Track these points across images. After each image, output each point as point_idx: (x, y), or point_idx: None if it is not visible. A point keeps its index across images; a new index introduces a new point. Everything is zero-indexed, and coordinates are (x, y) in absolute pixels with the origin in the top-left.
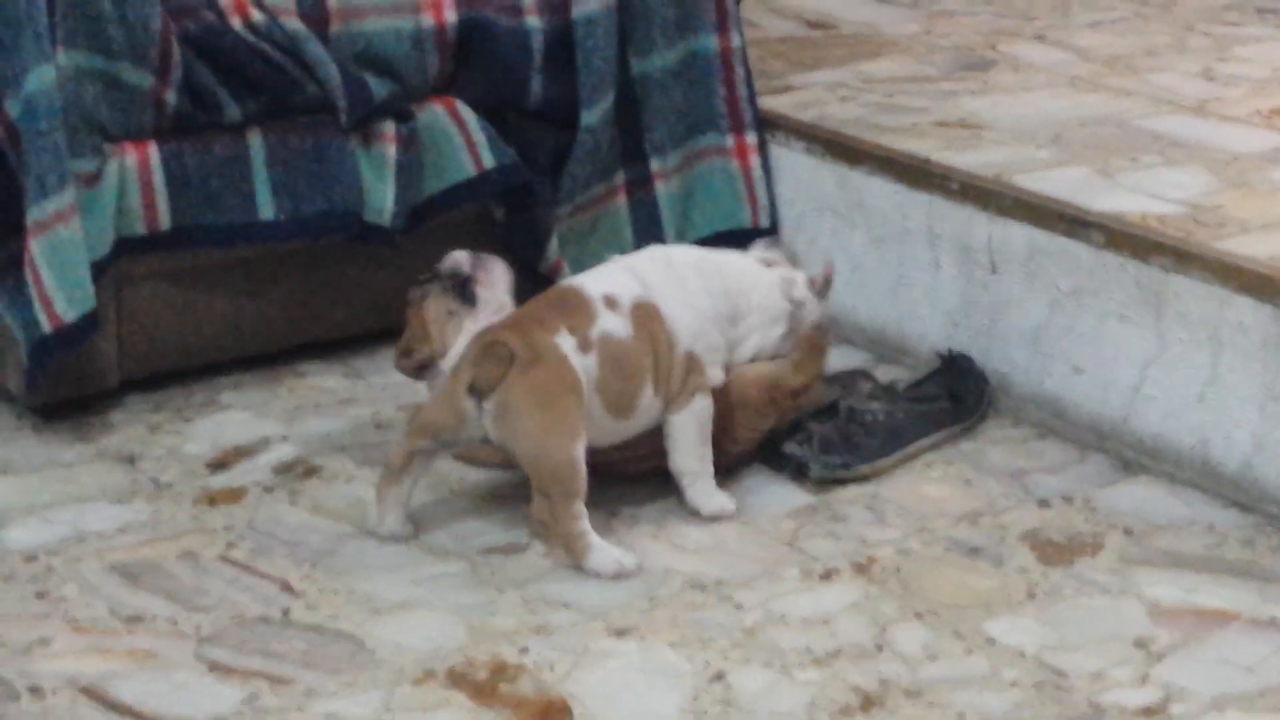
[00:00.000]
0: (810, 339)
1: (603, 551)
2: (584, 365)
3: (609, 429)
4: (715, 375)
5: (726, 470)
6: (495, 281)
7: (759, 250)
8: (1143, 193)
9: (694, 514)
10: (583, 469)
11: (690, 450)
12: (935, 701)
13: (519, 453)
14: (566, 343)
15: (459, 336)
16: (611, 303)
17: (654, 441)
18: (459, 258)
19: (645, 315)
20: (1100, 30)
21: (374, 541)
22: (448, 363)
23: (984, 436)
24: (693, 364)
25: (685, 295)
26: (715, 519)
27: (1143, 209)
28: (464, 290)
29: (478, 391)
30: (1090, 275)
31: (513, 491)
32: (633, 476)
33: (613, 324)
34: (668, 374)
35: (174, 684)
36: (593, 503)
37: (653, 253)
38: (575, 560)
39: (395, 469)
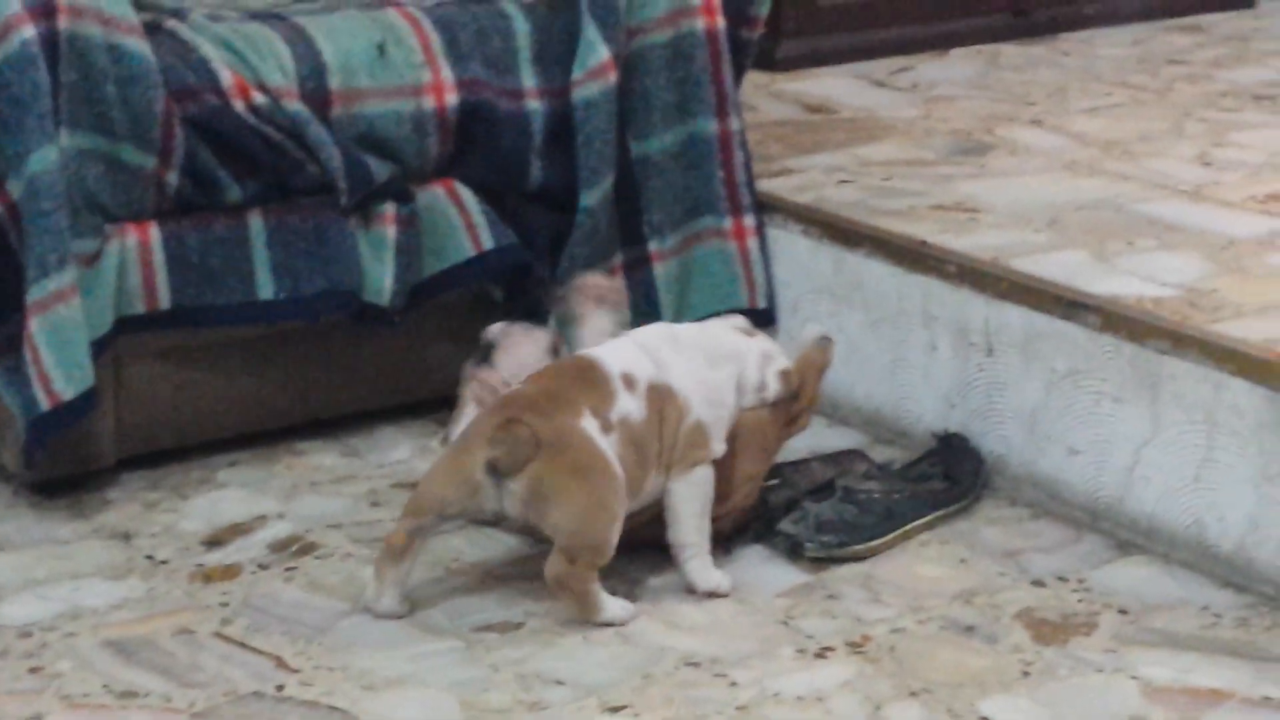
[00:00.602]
0: (810, 358)
1: (612, 603)
2: (607, 446)
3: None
4: (718, 448)
5: (725, 539)
6: (515, 345)
7: (738, 321)
8: (1139, 276)
9: (689, 590)
10: (614, 546)
11: (690, 523)
12: None
13: (558, 526)
14: (591, 425)
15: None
16: (630, 382)
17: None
18: (493, 329)
19: (658, 396)
20: (1097, 115)
21: (369, 618)
22: (452, 430)
23: (979, 516)
24: (698, 434)
25: (694, 370)
26: (710, 596)
27: (1139, 292)
28: (486, 357)
29: (499, 472)
30: (1086, 357)
31: (508, 570)
32: (632, 545)
33: (630, 406)
34: (671, 448)
35: None
36: None
37: (659, 329)
38: (587, 617)
39: (396, 550)
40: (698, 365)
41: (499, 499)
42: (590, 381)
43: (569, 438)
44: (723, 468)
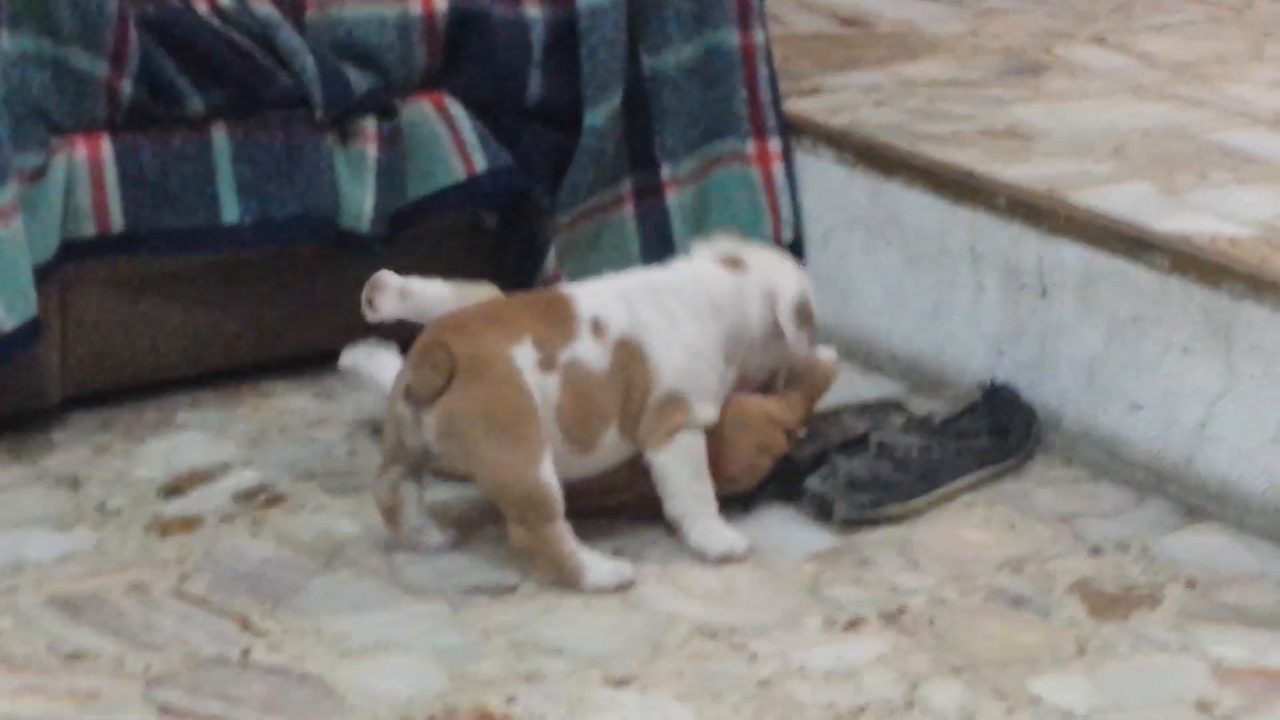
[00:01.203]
0: (813, 367)
1: (598, 567)
2: (541, 385)
3: (566, 462)
4: (705, 413)
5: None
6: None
7: (727, 247)
8: (1212, 212)
9: (701, 557)
10: (555, 489)
11: (684, 492)
12: None
13: (477, 481)
14: (525, 356)
15: None
16: (599, 329)
17: (631, 473)
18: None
19: (627, 354)
20: (1167, 34)
21: (345, 577)
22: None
23: (1031, 476)
24: (671, 404)
25: (675, 333)
26: (725, 561)
27: (1212, 230)
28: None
29: (414, 399)
30: (1152, 302)
31: (500, 525)
32: (610, 511)
33: (589, 352)
34: (636, 417)
35: None
36: (591, 540)
37: (643, 279)
38: (571, 583)
39: (390, 511)
40: (681, 326)
41: (419, 434)
42: (550, 315)
43: (488, 366)
44: (718, 460)
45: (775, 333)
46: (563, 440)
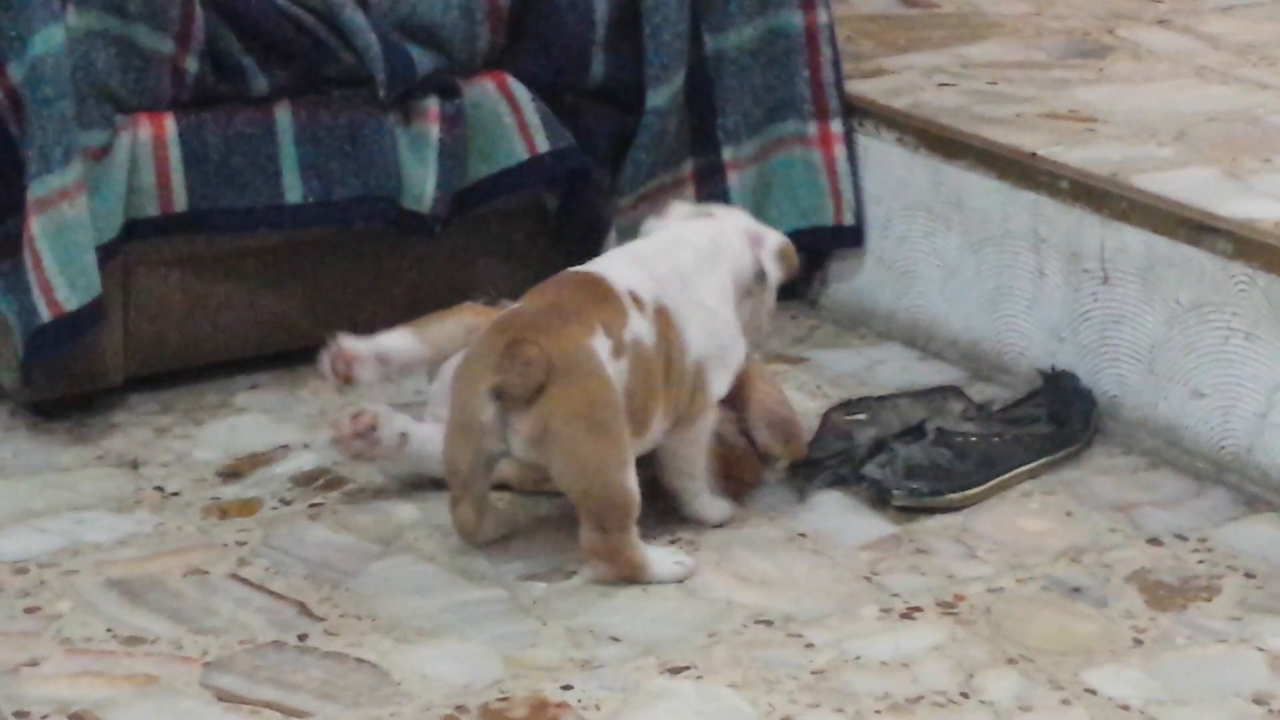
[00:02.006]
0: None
1: (662, 562)
2: (618, 373)
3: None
4: (721, 386)
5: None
6: None
7: (688, 209)
8: (1277, 198)
9: (700, 524)
10: (638, 494)
11: (691, 470)
12: None
13: (565, 481)
14: (602, 346)
15: None
16: (638, 301)
17: None
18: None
19: (664, 321)
20: (1232, 15)
21: (403, 561)
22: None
23: (1089, 465)
24: (699, 376)
25: (689, 293)
26: (722, 525)
27: (1276, 216)
28: None
29: (508, 401)
30: (1215, 288)
31: (557, 513)
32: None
33: (642, 326)
34: (678, 389)
35: (177, 713)
36: (646, 529)
37: (643, 244)
38: (636, 581)
39: (472, 531)
40: (696, 283)
41: (504, 438)
42: (599, 297)
43: (579, 362)
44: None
45: (756, 283)
46: (629, 425)
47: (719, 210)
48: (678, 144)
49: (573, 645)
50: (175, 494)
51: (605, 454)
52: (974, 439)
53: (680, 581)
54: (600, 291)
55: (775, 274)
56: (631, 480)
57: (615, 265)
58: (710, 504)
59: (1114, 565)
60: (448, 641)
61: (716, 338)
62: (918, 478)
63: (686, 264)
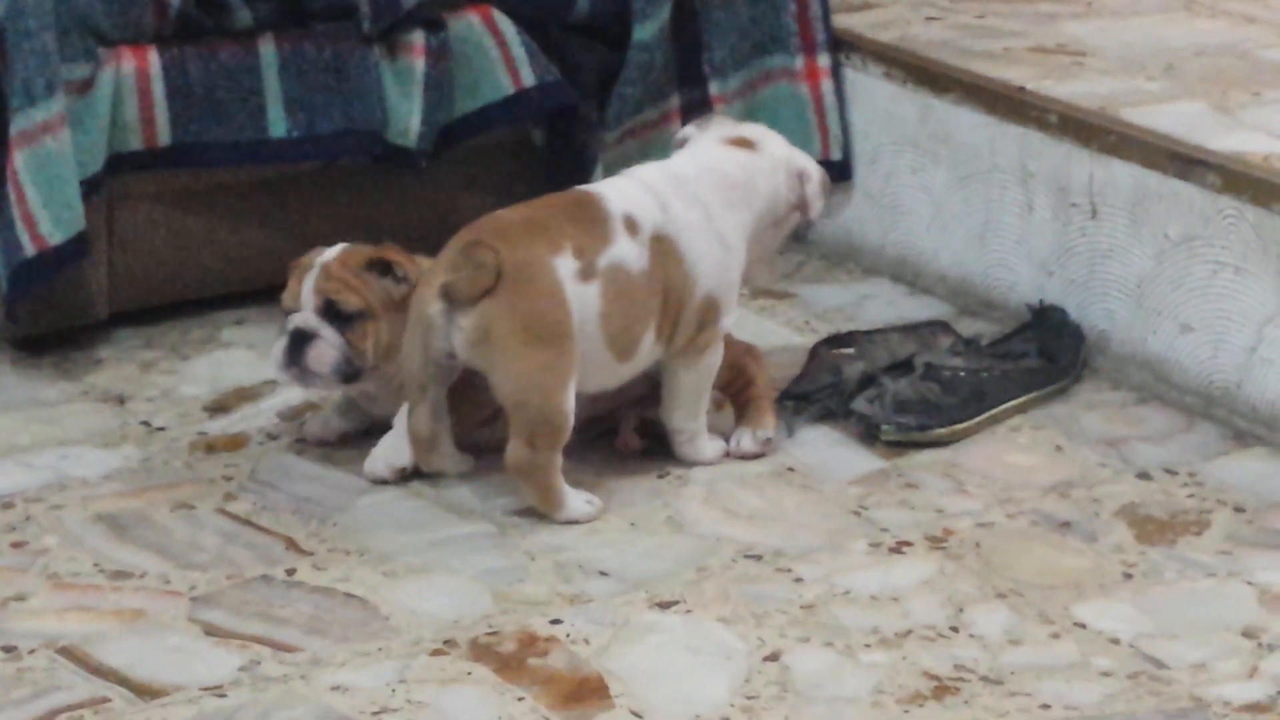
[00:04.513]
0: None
1: (575, 498)
2: (582, 296)
3: (607, 370)
4: (730, 320)
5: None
6: None
7: (728, 129)
8: (1266, 131)
9: (693, 464)
10: (571, 417)
11: (691, 408)
12: (1017, 690)
13: (501, 390)
14: (566, 266)
15: None
16: (632, 226)
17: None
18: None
19: (663, 250)
20: None
21: (391, 497)
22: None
23: (1078, 400)
24: (710, 310)
25: (708, 224)
26: (709, 464)
27: (1265, 149)
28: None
29: (451, 299)
30: (1204, 222)
31: None
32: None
33: (628, 252)
34: (675, 319)
35: (165, 647)
36: (634, 463)
37: (660, 168)
38: (550, 511)
39: (424, 441)
40: (714, 217)
41: (449, 336)
42: (584, 218)
43: (533, 275)
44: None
45: (787, 215)
46: (606, 348)
47: (760, 136)
48: (664, 78)
49: (561, 580)
50: (161, 429)
51: (544, 368)
52: (962, 374)
53: (589, 521)
54: (587, 212)
55: (819, 208)
56: (568, 401)
57: (621, 188)
58: (706, 445)
59: (1103, 500)
60: (436, 576)
61: (730, 273)
62: (906, 412)
63: (712, 195)
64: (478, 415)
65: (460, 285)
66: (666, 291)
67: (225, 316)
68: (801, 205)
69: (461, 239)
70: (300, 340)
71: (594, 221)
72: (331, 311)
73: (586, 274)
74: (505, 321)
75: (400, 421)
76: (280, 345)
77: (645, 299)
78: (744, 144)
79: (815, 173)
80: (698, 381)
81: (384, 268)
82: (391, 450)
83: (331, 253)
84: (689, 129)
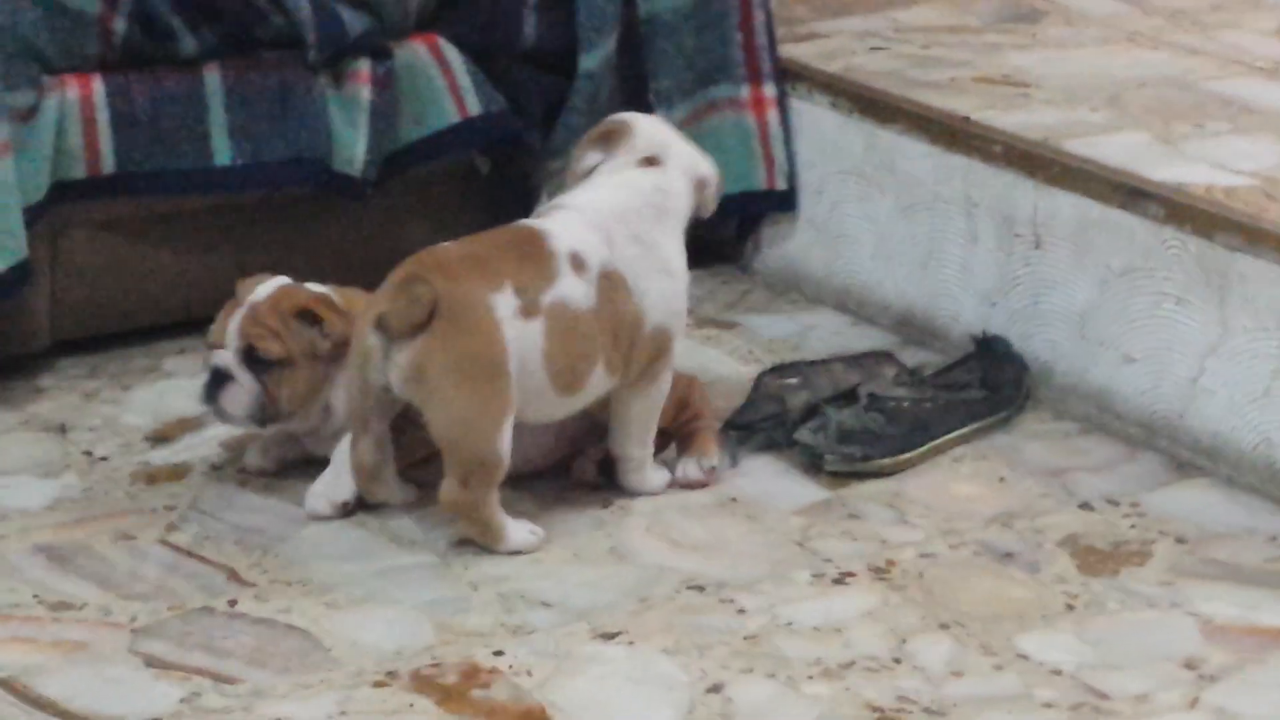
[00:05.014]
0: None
1: (516, 529)
2: (524, 334)
3: (552, 405)
4: (678, 347)
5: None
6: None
7: (623, 154)
8: (1208, 162)
9: (638, 493)
10: (506, 457)
11: (640, 435)
12: None
13: (435, 427)
14: (505, 305)
15: None
16: (578, 264)
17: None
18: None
19: (611, 286)
20: None
21: (333, 527)
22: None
23: (1021, 430)
24: (661, 339)
25: (653, 257)
26: (653, 495)
27: (1207, 180)
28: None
29: (387, 332)
30: (1146, 253)
31: None
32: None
33: (573, 290)
34: (627, 352)
35: (106, 679)
36: (574, 495)
37: (605, 203)
38: (490, 545)
39: (367, 471)
40: (656, 248)
41: (385, 370)
42: (527, 254)
43: (469, 313)
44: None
45: (699, 208)
46: (549, 385)
47: (661, 147)
48: (610, 107)
49: (504, 611)
50: (104, 459)
51: (478, 407)
52: (906, 404)
53: (533, 552)
54: (531, 249)
55: (712, 210)
56: (502, 441)
57: (566, 224)
58: (652, 474)
59: (1046, 530)
60: (378, 607)
61: (677, 301)
62: (850, 442)
63: (645, 226)
64: (421, 450)
65: (393, 318)
66: (616, 327)
67: (168, 346)
68: (699, 209)
69: (401, 272)
70: (218, 379)
71: (539, 258)
72: (251, 356)
73: (528, 311)
74: (439, 358)
75: (339, 456)
76: (201, 381)
77: (592, 336)
78: (653, 162)
79: (713, 177)
80: (647, 409)
81: (313, 318)
82: (331, 486)
83: (264, 291)
84: (593, 154)
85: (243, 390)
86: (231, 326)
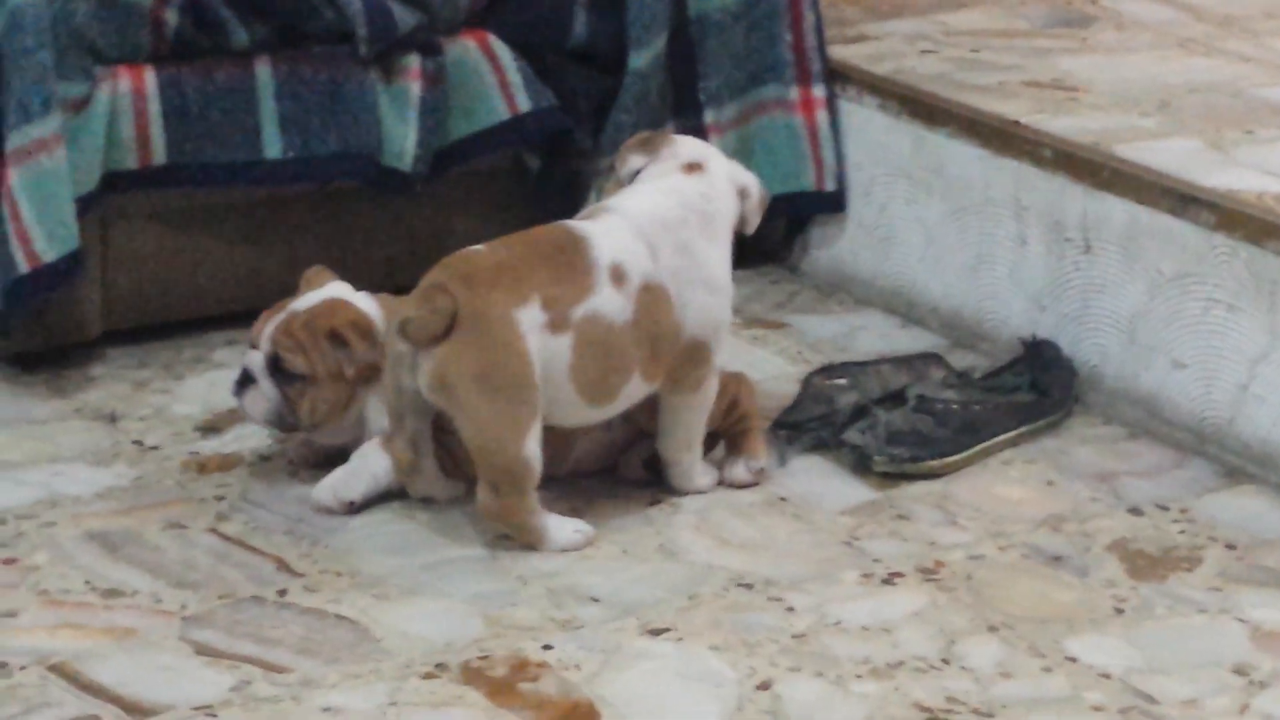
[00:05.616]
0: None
1: (560, 528)
2: (550, 348)
3: (581, 413)
4: (721, 357)
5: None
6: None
7: (666, 158)
8: (1259, 169)
9: (683, 493)
10: (536, 465)
11: (687, 440)
12: None
13: (464, 435)
14: (530, 319)
15: None
16: (619, 276)
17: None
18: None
19: (652, 299)
20: None
21: (383, 519)
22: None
23: (1070, 434)
24: (699, 353)
25: (697, 270)
26: (702, 493)
27: (1259, 187)
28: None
29: (409, 339)
30: (1197, 259)
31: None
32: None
33: (609, 303)
34: (666, 362)
35: (156, 666)
36: (629, 491)
37: (652, 211)
38: (533, 546)
39: (406, 468)
40: (700, 259)
41: (413, 376)
42: (564, 264)
43: (489, 326)
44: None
45: (742, 223)
46: (578, 396)
47: (703, 155)
48: (659, 106)
49: (553, 605)
50: (154, 448)
51: (501, 418)
52: (955, 406)
53: (579, 549)
54: (569, 258)
55: (755, 224)
56: (529, 449)
57: (611, 232)
58: (700, 476)
59: (1094, 534)
60: (427, 599)
61: (718, 314)
62: (899, 444)
63: (692, 235)
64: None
65: (413, 327)
66: (655, 338)
67: (218, 336)
68: (741, 222)
69: (430, 277)
70: (245, 380)
71: (575, 270)
72: (276, 365)
73: (556, 326)
74: (460, 368)
75: (358, 456)
76: (235, 376)
77: (625, 349)
78: (697, 169)
79: (755, 188)
80: (693, 416)
81: (343, 341)
82: (342, 483)
83: (307, 301)
84: (636, 158)
85: (263, 396)
86: (266, 332)
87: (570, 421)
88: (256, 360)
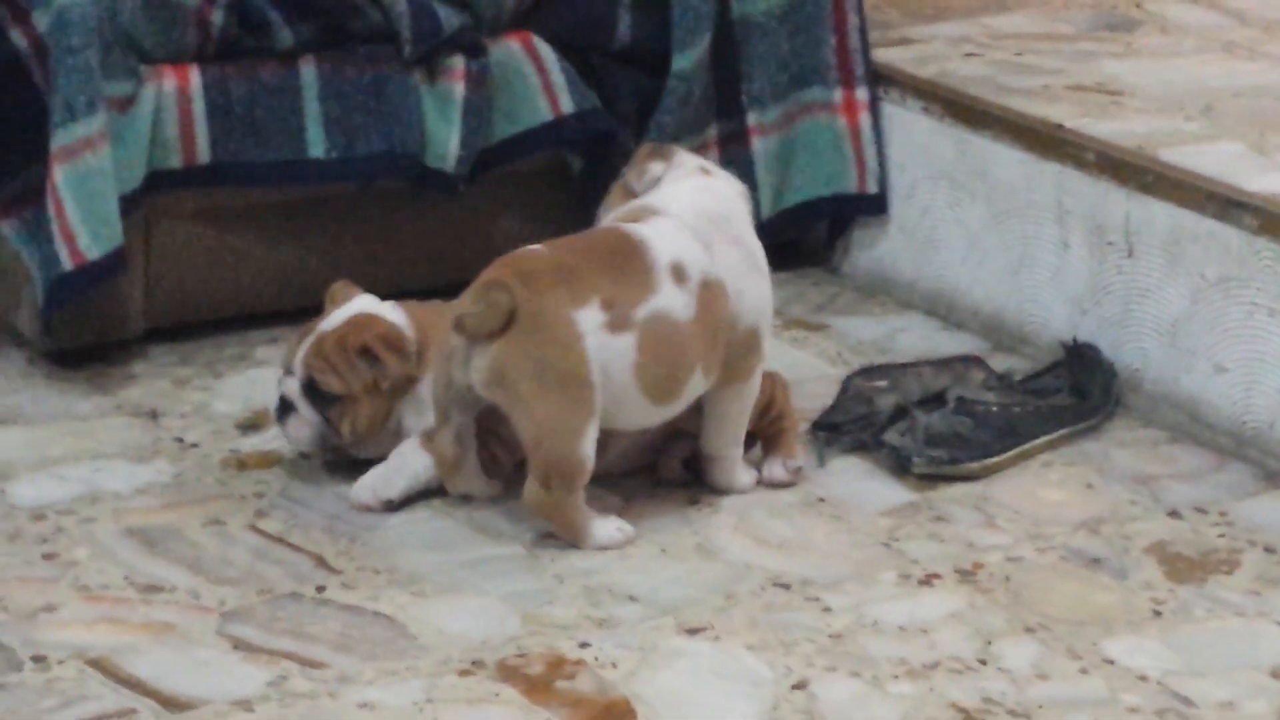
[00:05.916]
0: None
1: (602, 526)
2: (612, 349)
3: (645, 413)
4: (768, 347)
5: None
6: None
7: (681, 164)
8: None
9: (726, 491)
10: (589, 463)
11: (735, 434)
12: None
13: (518, 430)
14: (590, 320)
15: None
16: (679, 275)
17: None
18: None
19: (711, 295)
20: None
21: (421, 517)
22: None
23: (1110, 437)
24: (751, 340)
25: (749, 261)
26: (743, 492)
27: None
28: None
29: (465, 334)
30: (1240, 263)
31: None
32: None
33: (672, 302)
34: (725, 355)
35: (194, 661)
36: (667, 491)
37: (700, 206)
38: (574, 543)
39: (449, 464)
40: (751, 253)
41: (466, 371)
42: (624, 266)
43: (548, 327)
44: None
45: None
46: (642, 396)
47: (706, 162)
48: (703, 108)
49: (590, 603)
50: (194, 445)
51: (559, 414)
52: (995, 408)
53: (619, 548)
54: (629, 261)
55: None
56: (585, 446)
57: (666, 233)
58: (742, 474)
59: (1133, 537)
60: (465, 597)
61: (768, 301)
62: (938, 445)
63: (741, 227)
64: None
65: (470, 321)
66: (715, 331)
67: (259, 335)
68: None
69: (487, 274)
70: (285, 407)
71: (635, 271)
72: (312, 389)
73: (617, 326)
74: (518, 365)
75: (397, 455)
76: (273, 403)
77: (689, 344)
78: (708, 173)
79: (746, 192)
80: (741, 407)
81: (375, 357)
82: (382, 480)
83: (334, 321)
84: (655, 165)
85: (305, 422)
86: (298, 357)
87: (632, 424)
88: (293, 387)
